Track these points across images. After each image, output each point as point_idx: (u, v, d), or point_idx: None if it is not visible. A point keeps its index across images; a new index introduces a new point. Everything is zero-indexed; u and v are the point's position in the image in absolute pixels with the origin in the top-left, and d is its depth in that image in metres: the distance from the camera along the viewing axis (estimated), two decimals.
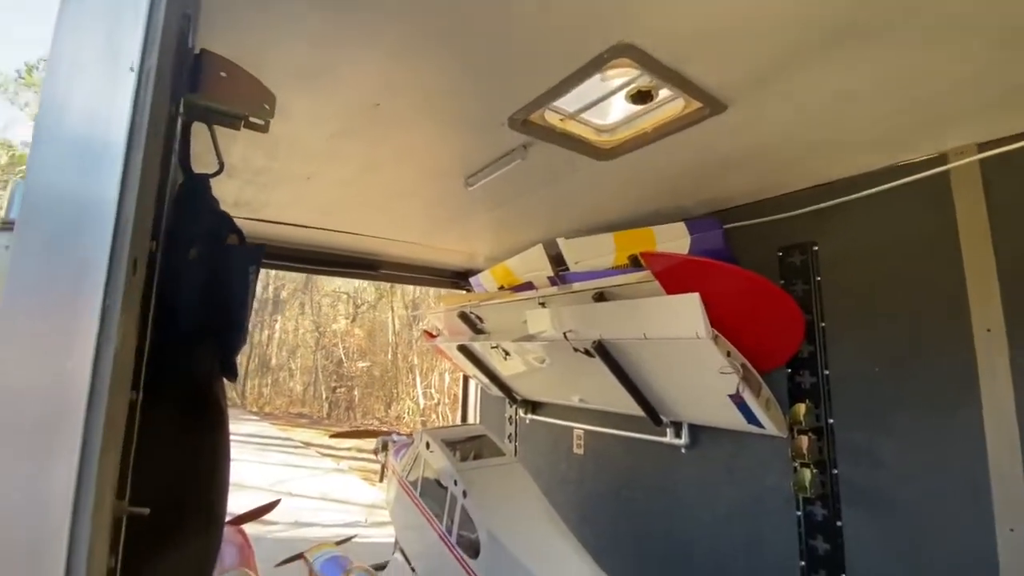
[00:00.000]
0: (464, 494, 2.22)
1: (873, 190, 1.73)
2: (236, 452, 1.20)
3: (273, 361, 22.54)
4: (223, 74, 0.90)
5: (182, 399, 0.96)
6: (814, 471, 1.90)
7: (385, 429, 5.29)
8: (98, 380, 0.49)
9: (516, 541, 1.99)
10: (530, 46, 1.19)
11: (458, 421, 4.52)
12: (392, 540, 3.05)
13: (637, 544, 2.62)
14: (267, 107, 0.99)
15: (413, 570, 2.61)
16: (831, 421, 1.92)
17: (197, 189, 1.03)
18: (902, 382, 1.75)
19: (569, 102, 1.49)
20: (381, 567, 2.91)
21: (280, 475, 9.88)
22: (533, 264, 2.71)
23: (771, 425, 1.96)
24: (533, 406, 3.40)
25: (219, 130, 1.01)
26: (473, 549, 2.11)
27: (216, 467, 1.00)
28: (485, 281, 3.18)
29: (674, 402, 2.31)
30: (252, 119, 1.00)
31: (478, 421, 4.03)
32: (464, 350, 3.20)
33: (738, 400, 1.92)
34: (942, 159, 1.66)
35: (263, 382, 22.36)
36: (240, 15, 1.09)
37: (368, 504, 8.20)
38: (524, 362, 2.87)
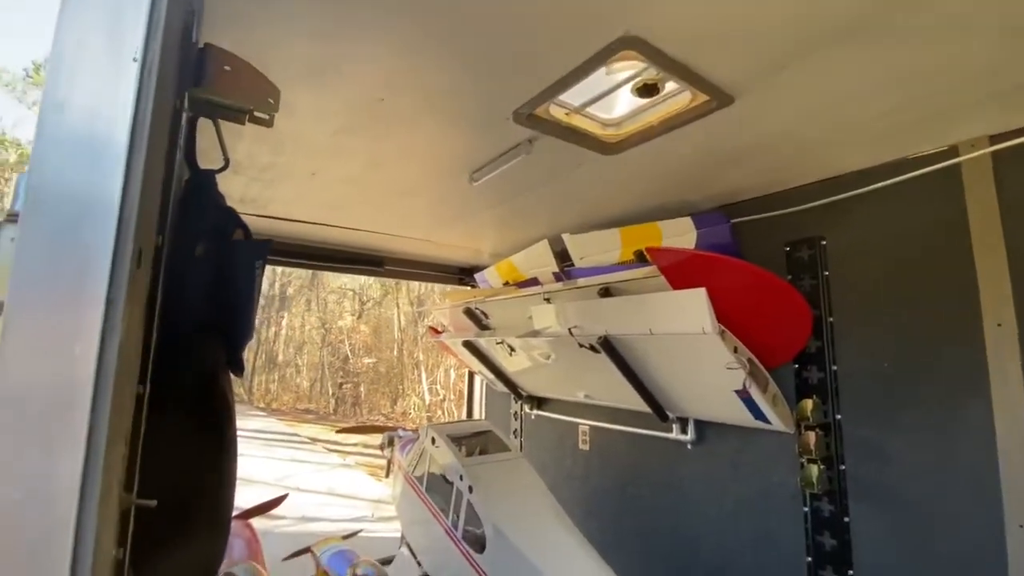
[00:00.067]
0: (470, 489, 2.22)
1: (882, 184, 1.70)
2: (243, 447, 1.20)
3: (280, 357, 22.72)
4: (227, 68, 0.91)
5: (190, 394, 0.96)
6: (821, 467, 1.88)
7: (391, 425, 5.32)
8: (104, 371, 0.49)
9: (522, 536, 1.99)
10: (536, 39, 1.18)
11: (463, 417, 4.53)
12: (398, 535, 3.06)
13: (643, 540, 2.62)
14: (271, 101, 1.00)
15: (419, 564, 2.62)
16: (839, 417, 1.90)
17: (203, 185, 1.04)
18: (911, 377, 1.74)
19: (575, 96, 1.47)
20: (387, 561, 2.93)
21: (287, 470, 9.96)
22: (538, 260, 2.70)
23: (778, 421, 1.95)
24: (538, 402, 3.40)
25: (224, 126, 1.02)
26: (479, 544, 2.11)
27: (223, 461, 1.01)
28: (490, 277, 3.18)
29: (680, 398, 2.30)
30: (257, 113, 1.00)
31: (483, 417, 4.03)
32: (469, 346, 3.20)
33: (744, 396, 1.91)
34: (953, 152, 1.63)
35: (270, 378, 22.54)
36: (244, 11, 1.08)
37: (374, 499, 8.25)
38: (529, 358, 2.87)
